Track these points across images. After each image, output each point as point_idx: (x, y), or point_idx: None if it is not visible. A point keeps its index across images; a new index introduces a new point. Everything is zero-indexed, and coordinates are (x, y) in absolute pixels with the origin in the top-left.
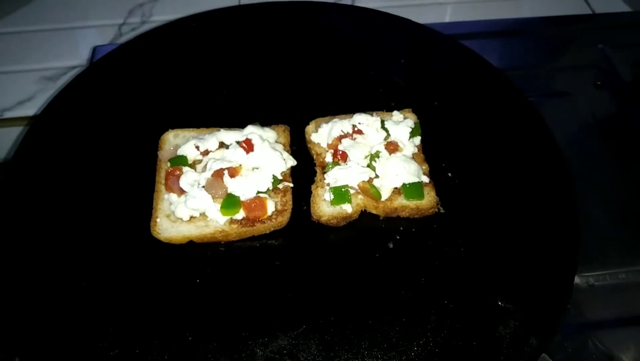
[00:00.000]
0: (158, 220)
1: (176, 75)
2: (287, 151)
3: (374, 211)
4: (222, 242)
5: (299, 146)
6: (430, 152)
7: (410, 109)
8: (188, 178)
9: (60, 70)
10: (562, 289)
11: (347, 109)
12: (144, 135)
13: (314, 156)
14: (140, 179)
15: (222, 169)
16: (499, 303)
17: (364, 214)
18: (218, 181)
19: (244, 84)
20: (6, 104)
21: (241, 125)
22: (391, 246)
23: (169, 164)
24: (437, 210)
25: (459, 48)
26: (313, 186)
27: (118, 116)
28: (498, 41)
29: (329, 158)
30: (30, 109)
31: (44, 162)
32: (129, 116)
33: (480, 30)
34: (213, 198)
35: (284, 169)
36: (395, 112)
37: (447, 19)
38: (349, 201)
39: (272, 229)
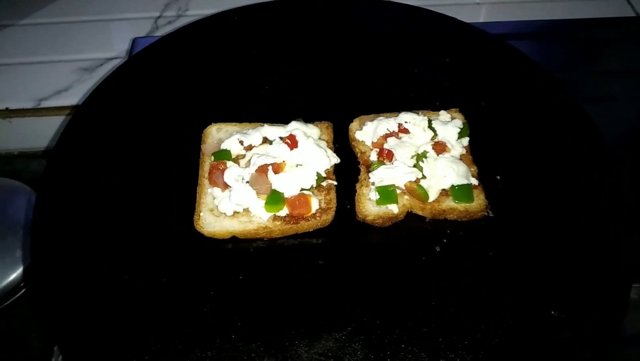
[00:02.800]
0: (202, 214)
1: (218, 69)
2: (331, 148)
3: (420, 213)
4: (265, 238)
5: (342, 144)
6: (478, 154)
7: (458, 109)
8: (232, 173)
9: (97, 61)
10: (619, 300)
11: (391, 108)
12: (186, 128)
13: (358, 155)
14: (183, 173)
15: (266, 165)
16: (552, 313)
17: (410, 216)
18: (262, 176)
19: (286, 80)
20: (44, 94)
21: (284, 121)
22: (438, 249)
23: (212, 158)
24: (486, 214)
25: (506, 48)
26: (357, 185)
27: (160, 108)
28: (538, 43)
29: (373, 157)
30: (68, 99)
31: (86, 153)
32: (170, 109)
33: (518, 31)
34: (257, 193)
35: (328, 167)
36: (442, 112)
37: (481, 19)
38: (396, 201)
39: (315, 227)
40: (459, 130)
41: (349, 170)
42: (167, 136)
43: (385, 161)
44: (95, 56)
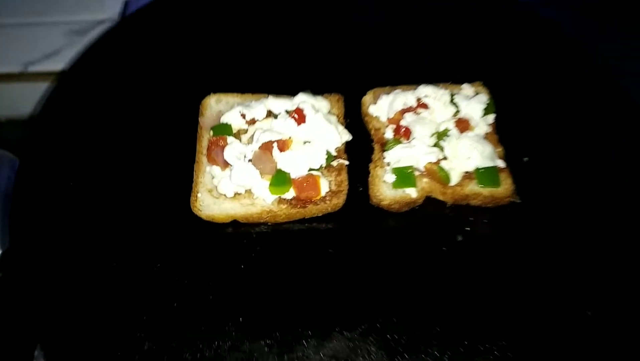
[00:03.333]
0: (199, 195)
1: (218, 34)
2: (342, 124)
3: (440, 197)
4: (269, 223)
5: (353, 119)
6: (504, 133)
7: (481, 83)
8: (233, 150)
9: (88, 24)
10: None
11: (408, 80)
12: (182, 99)
13: (372, 131)
14: (179, 148)
15: (270, 142)
16: (587, 313)
17: (429, 200)
18: (266, 154)
19: (293, 46)
20: (32, 58)
21: (290, 92)
22: (460, 238)
23: (211, 132)
24: (512, 199)
25: (534, 15)
26: (371, 165)
27: (154, 76)
28: (570, 11)
29: (389, 134)
30: (57, 64)
31: (72, 122)
32: (165, 78)
33: None
34: (261, 173)
35: (339, 145)
36: (465, 85)
37: None
38: (414, 185)
39: (325, 212)
40: (484, 106)
41: (361, 148)
42: (162, 106)
43: (402, 140)
44: (86, 18)
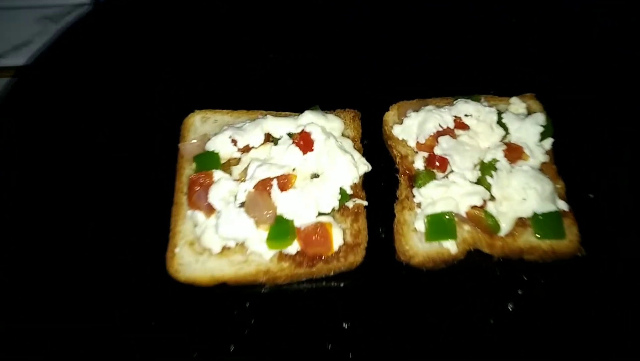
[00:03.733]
0: (177, 250)
1: (207, 33)
2: (358, 149)
3: (486, 250)
4: (267, 286)
5: (373, 141)
6: (562, 162)
7: (533, 95)
8: (220, 190)
9: (63, 9)
10: None
11: (439, 90)
12: (160, 115)
13: (397, 159)
14: (152, 183)
15: (268, 179)
16: None
17: (472, 255)
18: (263, 196)
19: (298, 50)
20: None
21: (295, 108)
22: (511, 307)
23: (193, 165)
24: (577, 253)
25: (593, 12)
26: (397, 206)
27: (128, 84)
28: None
29: (419, 164)
30: (27, 56)
31: (29, 132)
32: (142, 87)
33: None
34: (256, 221)
35: (356, 179)
36: (514, 99)
37: None
38: (454, 236)
39: (338, 271)
40: (541, 129)
41: (383, 181)
42: (135, 125)
43: (436, 172)
44: (61, 2)
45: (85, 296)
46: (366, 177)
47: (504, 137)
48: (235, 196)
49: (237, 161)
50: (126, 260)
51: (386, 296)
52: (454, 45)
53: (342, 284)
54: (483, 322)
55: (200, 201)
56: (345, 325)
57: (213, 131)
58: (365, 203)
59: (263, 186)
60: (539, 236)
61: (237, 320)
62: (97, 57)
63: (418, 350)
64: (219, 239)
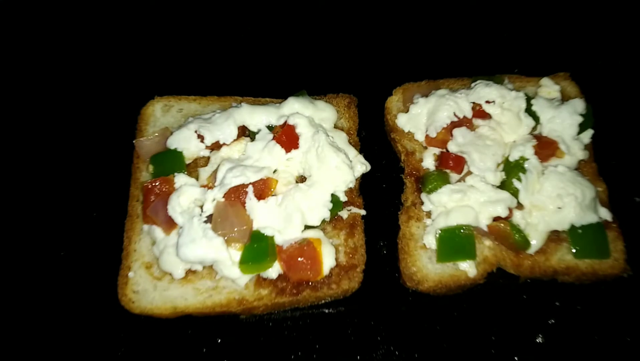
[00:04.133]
0: (131, 274)
1: (172, 5)
2: (354, 145)
3: (511, 271)
4: (243, 317)
5: (371, 132)
6: (602, 159)
7: (568, 75)
8: (183, 199)
9: None
10: None
11: (452, 70)
12: (112, 104)
13: (402, 156)
14: (102, 189)
15: (242, 186)
16: None
17: (494, 275)
18: (235, 208)
19: (280, 22)
20: None
21: (277, 94)
22: (540, 340)
23: (150, 168)
24: (622, 273)
25: None
26: (402, 215)
27: (71, 63)
28: None
29: (429, 163)
30: None
31: None
32: (89, 68)
33: None
34: (226, 240)
35: (351, 182)
36: (545, 80)
37: None
38: (473, 256)
39: (330, 299)
40: (579, 118)
41: (383, 181)
42: (81, 116)
43: (450, 174)
44: None
45: (21, 330)
46: (364, 178)
47: (534, 128)
48: (202, 207)
49: (206, 161)
50: (70, 286)
51: (388, 328)
52: (468, 12)
53: (334, 313)
54: (506, 359)
55: (158, 214)
56: None
57: (177, 124)
58: (363, 212)
59: (236, 194)
60: (577, 255)
61: (206, 360)
62: (30, 32)
63: None
64: (182, 262)
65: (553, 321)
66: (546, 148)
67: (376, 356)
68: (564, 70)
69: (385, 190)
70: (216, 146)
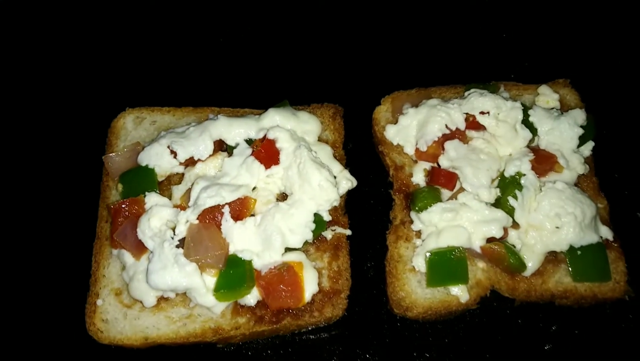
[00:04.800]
0: (99, 302)
1: (140, 6)
2: (340, 159)
3: (506, 294)
4: (220, 346)
5: (358, 144)
6: (603, 173)
7: (567, 82)
8: (153, 222)
9: None
10: None
11: (443, 77)
12: (82, 116)
13: (390, 170)
14: (70, 208)
15: (218, 207)
16: None
17: (488, 299)
18: (210, 231)
19: (261, 27)
20: None
21: (256, 104)
22: None
23: (119, 187)
24: (622, 296)
25: None
26: (390, 236)
27: (39, 72)
28: None
29: (419, 178)
30: None
31: None
32: (56, 77)
33: None
34: (200, 266)
35: (335, 200)
36: (543, 88)
37: None
38: (465, 280)
39: (312, 326)
40: (580, 131)
41: (371, 197)
42: (47, 129)
43: (442, 190)
44: None
45: None
46: (350, 195)
47: (531, 141)
48: (174, 229)
49: (180, 179)
50: (35, 313)
51: (375, 356)
52: (462, 16)
53: (317, 340)
54: None
55: (126, 239)
56: None
57: (150, 137)
58: (349, 232)
59: (210, 215)
60: (576, 278)
61: None
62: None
63: None
64: (152, 291)
65: (550, 346)
66: (544, 162)
67: None
68: (564, 76)
69: (373, 207)
70: (191, 162)
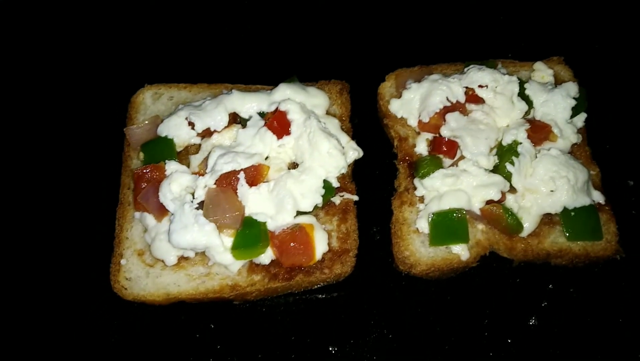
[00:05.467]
0: (123, 262)
1: None
2: (347, 131)
3: (504, 255)
4: (237, 302)
5: (363, 118)
6: (596, 143)
7: (561, 59)
8: (174, 186)
9: None
10: None
11: (445, 55)
12: (103, 92)
13: (394, 142)
14: (94, 177)
15: (234, 172)
16: None
17: (488, 259)
18: (227, 194)
19: (271, 8)
20: None
21: (268, 81)
22: (533, 323)
23: (141, 155)
24: (614, 255)
25: None
26: (395, 201)
27: (63, 52)
28: None
29: (422, 148)
30: None
31: None
32: (80, 56)
33: None
34: (219, 226)
35: (343, 168)
36: (538, 64)
37: None
38: (465, 239)
39: (323, 283)
40: (572, 102)
41: (376, 167)
42: (72, 105)
43: (443, 158)
44: None
45: (15, 318)
46: (357, 165)
47: (527, 112)
48: (193, 194)
49: (197, 149)
50: (63, 274)
51: (382, 312)
52: (453, 9)
53: (328, 298)
54: (500, 342)
55: (149, 201)
56: (332, 350)
57: (167, 111)
58: (356, 197)
59: (227, 180)
60: (570, 237)
61: (199, 345)
62: (20, 23)
63: None
64: (174, 248)
65: (546, 304)
66: (539, 132)
67: (369, 340)
68: (558, 54)
69: (378, 176)
70: (207, 133)
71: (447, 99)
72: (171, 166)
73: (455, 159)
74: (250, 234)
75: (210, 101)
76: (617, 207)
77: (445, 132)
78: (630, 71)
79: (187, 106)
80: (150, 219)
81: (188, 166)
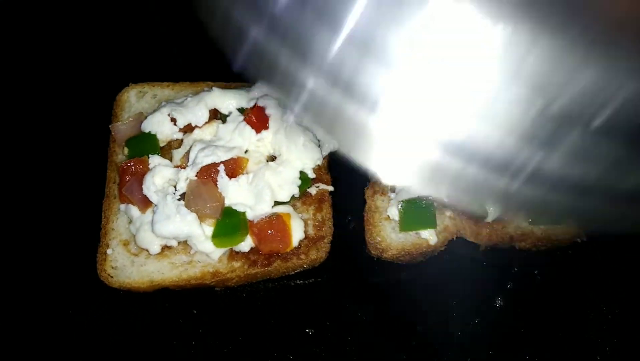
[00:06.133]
0: (109, 252)
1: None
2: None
3: (471, 239)
4: (218, 289)
5: None
6: None
7: None
8: (157, 179)
9: None
10: None
11: None
12: (89, 91)
13: None
14: (80, 172)
15: (214, 165)
16: None
17: (455, 244)
18: (208, 186)
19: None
20: None
21: (245, 78)
22: (499, 303)
23: (125, 150)
24: (576, 239)
25: None
26: (368, 191)
27: (50, 52)
28: None
29: None
30: None
31: None
32: (66, 57)
33: None
34: (200, 215)
35: (319, 160)
36: None
37: None
38: (433, 225)
39: (299, 269)
40: None
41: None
42: (58, 103)
43: None
44: None
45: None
46: (332, 156)
47: None
48: (175, 186)
49: (179, 143)
50: (49, 264)
51: (356, 295)
52: None
53: (305, 284)
54: (467, 321)
55: (133, 193)
56: (309, 331)
57: (151, 109)
58: (331, 188)
59: (208, 173)
60: (532, 221)
61: (183, 330)
62: (16, 29)
63: (393, 357)
64: (157, 238)
65: (511, 285)
66: None
67: (344, 322)
68: None
69: (352, 170)
70: (189, 129)
71: None
72: (154, 160)
73: None
74: (230, 223)
75: (192, 98)
76: None
77: None
78: None
79: (170, 103)
80: (134, 210)
81: (171, 160)
